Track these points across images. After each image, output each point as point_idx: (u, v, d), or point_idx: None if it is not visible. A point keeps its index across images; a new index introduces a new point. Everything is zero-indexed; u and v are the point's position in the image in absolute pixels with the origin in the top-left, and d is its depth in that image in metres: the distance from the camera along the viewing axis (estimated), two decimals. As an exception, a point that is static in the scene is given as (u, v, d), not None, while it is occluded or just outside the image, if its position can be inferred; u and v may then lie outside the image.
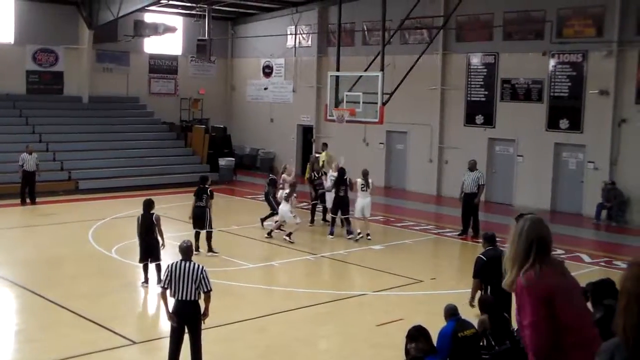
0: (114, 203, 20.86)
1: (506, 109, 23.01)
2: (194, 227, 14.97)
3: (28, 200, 20.86)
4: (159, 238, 12.63)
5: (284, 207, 16.35)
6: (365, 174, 17.05)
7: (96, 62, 28.52)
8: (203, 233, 15.01)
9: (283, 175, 17.94)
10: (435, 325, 8.03)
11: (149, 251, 12.65)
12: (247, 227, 17.89)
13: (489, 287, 9.71)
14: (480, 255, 10.09)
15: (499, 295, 9.12)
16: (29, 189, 20.91)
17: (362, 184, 16.85)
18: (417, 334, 7.46)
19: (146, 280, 12.76)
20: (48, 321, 10.89)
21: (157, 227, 12.61)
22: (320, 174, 18.93)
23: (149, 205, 12.86)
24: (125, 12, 25.87)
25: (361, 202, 16.94)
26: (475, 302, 9.32)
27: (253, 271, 14.36)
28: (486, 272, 9.82)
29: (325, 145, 23.63)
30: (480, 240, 10.83)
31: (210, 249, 14.95)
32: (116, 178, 24.39)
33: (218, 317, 11.08)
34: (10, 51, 26.57)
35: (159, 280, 12.47)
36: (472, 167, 17.91)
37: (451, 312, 7.98)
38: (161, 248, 12.66)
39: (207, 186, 15.05)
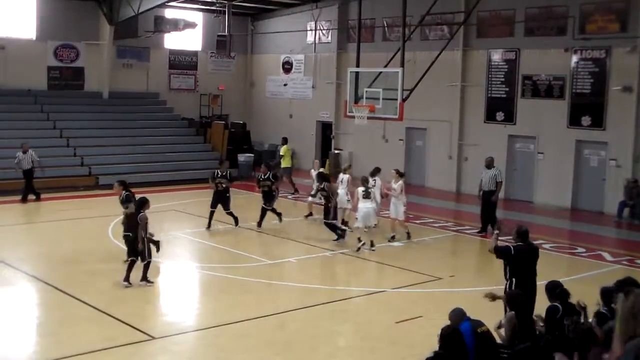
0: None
1: (527, 105, 22.82)
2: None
3: (33, 197, 20.73)
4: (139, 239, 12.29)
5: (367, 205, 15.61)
6: (365, 181, 15.86)
7: (116, 58, 28.69)
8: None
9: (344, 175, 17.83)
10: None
11: (133, 250, 12.46)
12: (265, 223, 17.88)
13: (513, 280, 9.50)
14: (510, 245, 9.78)
15: (524, 290, 9.02)
16: (25, 186, 20.69)
17: (362, 192, 15.51)
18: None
19: (127, 279, 12.34)
20: (67, 316, 10.96)
21: (140, 227, 12.25)
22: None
23: (140, 204, 12.48)
24: (146, 8, 26.00)
25: (362, 210, 15.51)
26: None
27: (271, 268, 14.36)
28: (512, 264, 9.62)
29: (285, 139, 24.75)
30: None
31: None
32: (136, 173, 24.49)
33: (236, 314, 11.14)
34: (32, 47, 26.82)
35: (142, 277, 12.40)
36: (489, 164, 17.82)
37: (462, 315, 7.88)
38: (139, 248, 12.31)
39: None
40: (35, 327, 10.71)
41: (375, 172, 17.75)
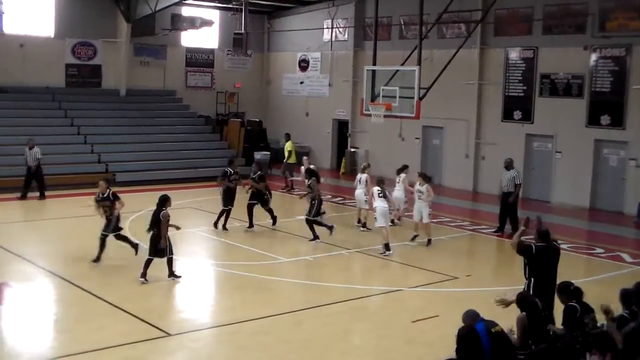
0: (150, 196, 20.86)
1: (545, 104, 22.67)
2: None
3: (37, 194, 20.81)
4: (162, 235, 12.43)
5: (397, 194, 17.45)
6: (380, 182, 15.68)
7: (134, 56, 28.83)
8: None
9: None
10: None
11: (155, 248, 12.54)
12: (281, 221, 17.90)
13: (532, 280, 9.44)
14: (532, 244, 9.72)
15: (543, 290, 8.96)
16: (25, 183, 20.82)
17: (378, 192, 15.42)
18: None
19: (143, 275, 12.45)
20: (84, 312, 11.04)
21: (162, 224, 12.41)
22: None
23: (161, 201, 12.66)
24: (163, 5, 26.12)
25: (379, 209, 15.30)
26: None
27: (288, 265, 14.38)
28: (531, 263, 9.55)
29: (287, 135, 24.79)
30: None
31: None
32: (153, 171, 24.65)
33: (253, 311, 11.16)
34: (50, 44, 27.02)
35: (170, 274, 12.63)
36: (509, 165, 17.82)
37: (475, 316, 7.86)
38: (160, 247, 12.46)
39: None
40: (53, 322, 10.79)
41: (403, 169, 18.16)
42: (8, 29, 26.20)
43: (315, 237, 15.99)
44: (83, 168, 23.75)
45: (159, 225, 12.45)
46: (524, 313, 8.08)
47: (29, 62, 26.37)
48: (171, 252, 12.66)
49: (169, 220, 12.49)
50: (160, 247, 12.49)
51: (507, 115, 23.71)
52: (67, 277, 12.76)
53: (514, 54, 23.43)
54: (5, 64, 25.90)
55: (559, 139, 22.42)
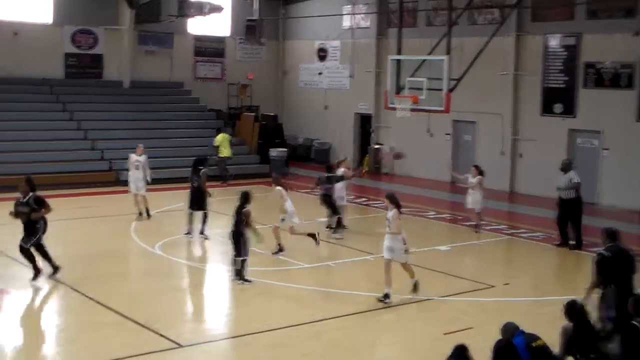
0: (157, 196, 21.18)
1: (590, 96, 22.58)
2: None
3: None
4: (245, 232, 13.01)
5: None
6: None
7: (138, 45, 29.06)
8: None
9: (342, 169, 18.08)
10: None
11: (238, 248, 13.03)
12: (299, 223, 17.96)
13: (611, 287, 9.41)
14: (602, 251, 9.76)
15: (624, 297, 8.89)
16: None
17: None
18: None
19: (241, 278, 13.10)
20: (90, 321, 11.19)
21: (244, 222, 12.93)
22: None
23: (244, 198, 13.22)
24: (169, -11, 26.29)
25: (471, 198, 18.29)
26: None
27: (308, 272, 14.48)
28: (609, 270, 9.55)
29: (218, 130, 25.93)
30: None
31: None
32: (159, 169, 24.71)
33: (270, 321, 11.26)
34: (48, 32, 27.25)
35: (239, 277, 13.03)
36: (566, 167, 16.93)
37: (514, 329, 7.85)
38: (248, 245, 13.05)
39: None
40: (57, 332, 10.96)
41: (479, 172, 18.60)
42: (0, 15, 26.36)
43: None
44: (83, 166, 24.01)
45: (240, 222, 12.88)
46: (571, 323, 8.01)
47: (24, 52, 26.57)
48: (247, 254, 13.05)
49: (250, 217, 12.93)
50: (242, 245, 12.94)
51: (547, 109, 23.64)
52: (70, 284, 12.92)
53: (554, 42, 23.35)
54: (-4, 53, 26.04)
55: (606, 135, 22.32)
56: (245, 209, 12.98)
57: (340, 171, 17.87)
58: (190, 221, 16.63)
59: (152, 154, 25.44)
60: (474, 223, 18.44)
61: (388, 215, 12.39)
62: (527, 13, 23.95)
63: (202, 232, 16.60)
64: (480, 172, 18.23)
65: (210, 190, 17.12)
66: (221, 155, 25.24)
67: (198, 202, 16.55)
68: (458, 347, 7.32)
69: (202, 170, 16.64)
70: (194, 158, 17.67)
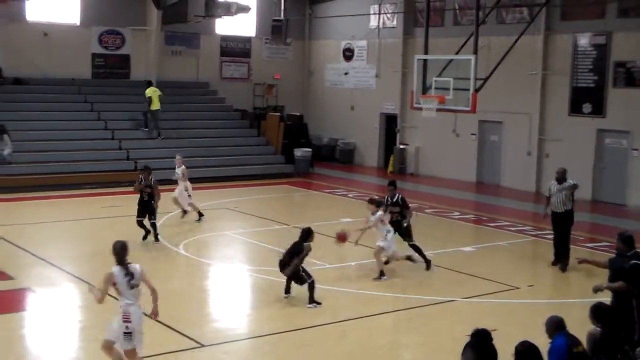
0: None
1: (619, 96, 22.34)
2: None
3: (56, 193, 21.46)
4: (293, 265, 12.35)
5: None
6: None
7: (164, 45, 29.24)
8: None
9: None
10: (533, 339, 7.78)
11: (299, 278, 12.44)
12: (324, 223, 17.94)
13: (632, 301, 9.05)
14: (637, 261, 9.38)
15: None
16: None
17: None
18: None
19: (312, 301, 12.25)
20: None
21: (301, 255, 12.31)
22: None
23: (306, 234, 12.54)
24: (196, -10, 26.42)
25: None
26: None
27: (331, 272, 14.42)
28: (631, 279, 9.22)
29: (149, 82, 26.26)
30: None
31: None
32: (184, 169, 24.93)
33: (295, 322, 11.25)
34: (76, 33, 27.53)
35: (310, 301, 12.26)
36: (561, 177, 15.06)
37: (559, 325, 7.46)
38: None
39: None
40: (79, 331, 11.04)
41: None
42: (31, 17, 26.75)
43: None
44: (109, 165, 24.21)
45: (298, 255, 12.30)
46: (598, 328, 7.79)
47: (53, 52, 26.92)
48: (309, 277, 12.37)
49: (307, 254, 12.42)
50: (301, 275, 12.35)
51: (575, 109, 23.41)
52: (94, 283, 12.99)
53: (584, 40, 23.11)
54: (28, 54, 26.47)
55: (635, 135, 22.06)
56: (306, 244, 12.40)
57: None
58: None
59: (176, 154, 25.70)
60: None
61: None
62: (557, 12, 23.77)
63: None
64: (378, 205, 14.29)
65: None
66: (153, 108, 25.52)
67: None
68: (479, 334, 6.54)
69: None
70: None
